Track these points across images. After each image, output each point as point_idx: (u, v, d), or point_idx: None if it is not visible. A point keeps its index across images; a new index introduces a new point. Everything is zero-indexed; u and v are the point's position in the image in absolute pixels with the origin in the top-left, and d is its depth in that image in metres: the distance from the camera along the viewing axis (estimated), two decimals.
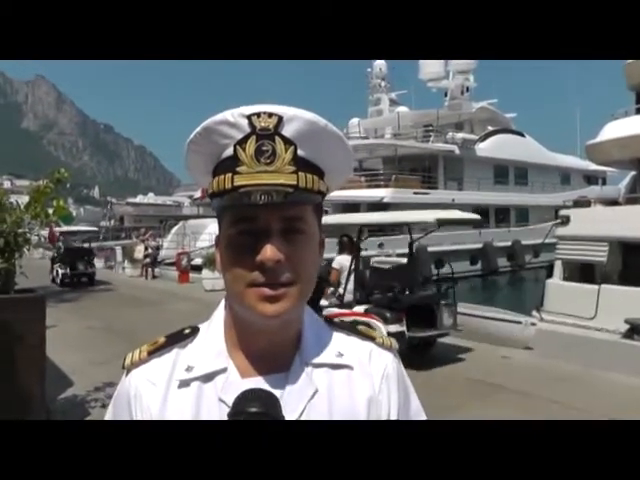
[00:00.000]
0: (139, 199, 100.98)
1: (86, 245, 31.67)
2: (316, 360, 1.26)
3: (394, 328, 9.78)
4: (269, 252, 1.11)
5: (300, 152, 1.14)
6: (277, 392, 1.17)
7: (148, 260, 29.71)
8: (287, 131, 1.13)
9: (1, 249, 6.60)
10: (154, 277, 28.75)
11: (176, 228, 45.36)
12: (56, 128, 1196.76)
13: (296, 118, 1.13)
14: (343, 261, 11.58)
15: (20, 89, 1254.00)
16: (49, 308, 7.27)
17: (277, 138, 1.12)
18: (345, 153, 1.25)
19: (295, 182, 1.12)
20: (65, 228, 25.99)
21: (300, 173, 1.13)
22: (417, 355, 9.66)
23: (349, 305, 10.84)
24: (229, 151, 1.15)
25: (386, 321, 9.94)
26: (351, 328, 1.39)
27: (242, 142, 1.12)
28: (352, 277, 11.16)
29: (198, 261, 25.82)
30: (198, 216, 51.66)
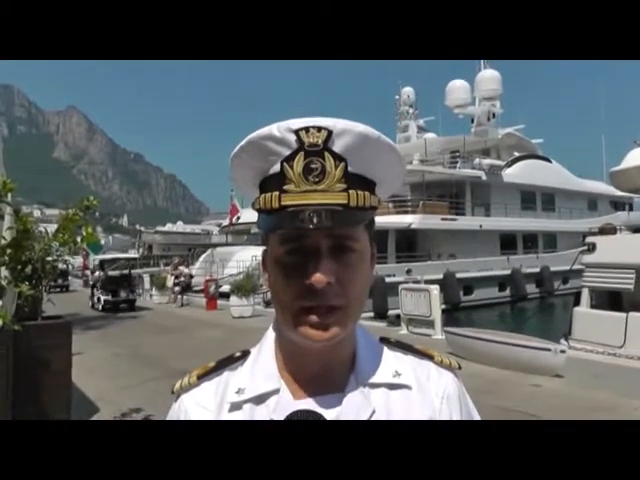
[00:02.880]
0: (168, 227, 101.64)
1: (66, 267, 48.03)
2: (372, 380, 1.20)
3: (105, 296, 28.08)
4: (319, 274, 1.06)
5: (351, 167, 1.09)
6: (332, 413, 1.13)
7: (178, 288, 29.60)
8: (337, 146, 1.08)
9: (29, 276, 6.65)
10: (182, 305, 28.72)
11: (204, 255, 45.64)
12: (86, 158, 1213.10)
13: (346, 132, 1.07)
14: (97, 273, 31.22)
15: (52, 120, 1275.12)
16: (76, 335, 7.28)
17: (326, 154, 1.07)
18: (398, 163, 1.20)
19: (345, 201, 1.07)
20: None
21: (351, 191, 1.08)
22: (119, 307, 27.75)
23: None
24: (276, 167, 1.10)
25: (103, 294, 28.24)
26: (408, 347, 1.32)
27: (289, 159, 1.07)
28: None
29: (226, 288, 25.84)
30: (226, 244, 51.85)
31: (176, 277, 29.96)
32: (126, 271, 31.35)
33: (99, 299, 28.66)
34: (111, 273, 30.68)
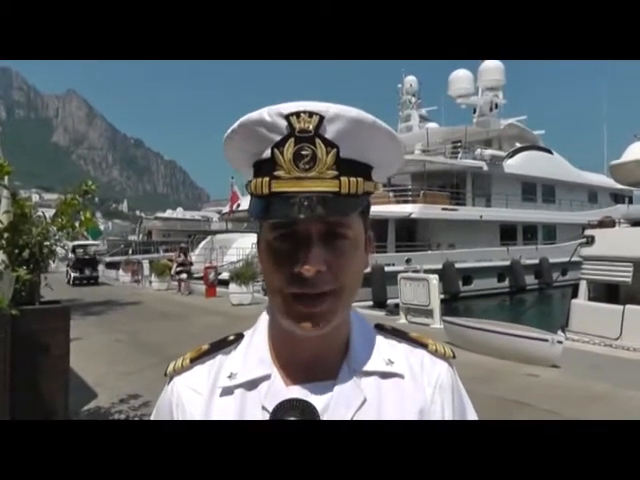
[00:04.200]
0: (168, 214, 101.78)
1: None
2: (365, 368, 1.19)
3: (74, 274, 38.79)
4: (309, 262, 1.05)
5: (343, 153, 1.07)
6: (323, 401, 1.13)
7: (184, 276, 28.66)
8: (329, 132, 1.05)
9: (26, 260, 6.63)
10: (187, 293, 28.14)
11: (204, 242, 45.71)
12: (86, 142, 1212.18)
13: (338, 117, 1.05)
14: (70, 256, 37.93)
15: (51, 104, 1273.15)
16: (75, 321, 7.27)
17: (317, 140, 1.05)
18: (395, 148, 1.17)
19: (337, 189, 1.05)
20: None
21: (342, 178, 1.06)
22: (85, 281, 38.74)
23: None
24: (267, 153, 1.08)
25: (74, 272, 38.77)
26: (403, 334, 1.31)
27: (280, 145, 1.06)
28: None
29: (225, 275, 25.83)
30: (226, 231, 51.89)
31: (180, 264, 29.05)
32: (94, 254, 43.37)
33: (70, 275, 39.40)
34: (79, 256, 40.11)
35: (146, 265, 36.76)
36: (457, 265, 35.67)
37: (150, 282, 33.88)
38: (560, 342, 10.79)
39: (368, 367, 1.20)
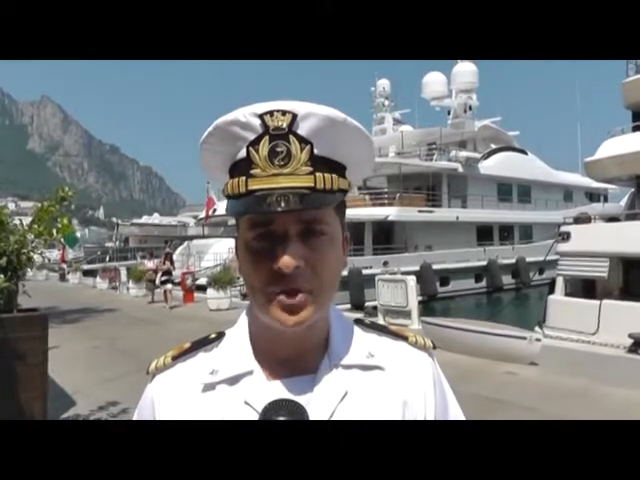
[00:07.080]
0: (144, 220, 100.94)
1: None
2: (345, 361, 1.20)
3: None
4: (287, 258, 1.06)
5: (317, 150, 1.09)
6: (305, 394, 1.14)
7: (170, 286, 25.15)
8: (302, 129, 1.07)
9: (3, 268, 6.58)
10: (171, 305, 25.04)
11: (181, 248, 45.39)
12: (62, 149, 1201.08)
13: (311, 115, 1.07)
14: None
15: (25, 110, 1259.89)
16: (53, 328, 7.20)
17: (291, 137, 1.07)
18: (366, 145, 1.19)
19: (312, 184, 1.07)
20: None
21: (317, 174, 1.08)
22: None
23: None
24: (243, 152, 1.10)
25: None
26: (383, 328, 1.34)
27: (255, 143, 1.08)
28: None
29: (203, 281, 25.63)
30: (203, 236, 51.62)
31: (165, 272, 25.62)
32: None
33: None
34: None
35: (123, 272, 36.46)
36: (434, 266, 35.81)
37: (128, 289, 33.57)
38: (538, 340, 10.85)
39: (348, 360, 1.21)
